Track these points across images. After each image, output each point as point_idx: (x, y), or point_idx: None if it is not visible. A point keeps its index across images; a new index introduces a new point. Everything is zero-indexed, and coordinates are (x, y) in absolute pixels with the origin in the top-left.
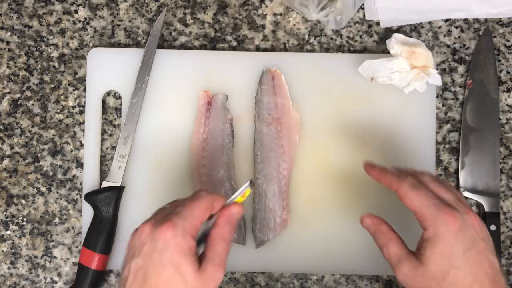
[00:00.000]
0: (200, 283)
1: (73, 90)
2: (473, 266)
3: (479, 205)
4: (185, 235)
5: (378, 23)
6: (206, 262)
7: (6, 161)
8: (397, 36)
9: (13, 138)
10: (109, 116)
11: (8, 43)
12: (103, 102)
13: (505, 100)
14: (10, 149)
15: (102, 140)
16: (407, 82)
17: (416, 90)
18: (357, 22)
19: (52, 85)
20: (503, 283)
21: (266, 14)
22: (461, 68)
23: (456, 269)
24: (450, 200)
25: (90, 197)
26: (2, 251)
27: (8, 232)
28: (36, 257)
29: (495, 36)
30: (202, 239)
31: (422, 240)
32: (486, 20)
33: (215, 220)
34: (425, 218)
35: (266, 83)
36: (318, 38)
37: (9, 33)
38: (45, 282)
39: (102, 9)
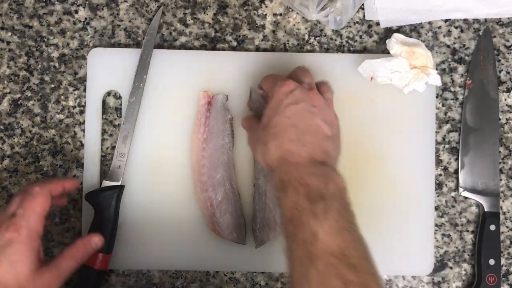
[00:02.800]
0: (31, 284)
1: (74, 90)
2: (294, 115)
3: (479, 205)
4: (30, 235)
5: (378, 23)
6: (48, 268)
7: (6, 161)
8: (397, 36)
9: (14, 138)
10: (109, 116)
11: (8, 43)
12: (104, 102)
13: (505, 100)
14: (11, 149)
15: (102, 140)
16: (407, 82)
17: (416, 90)
18: (357, 22)
19: (53, 85)
20: (328, 145)
21: (266, 14)
22: (461, 68)
23: (278, 116)
24: (304, 80)
25: (91, 196)
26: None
27: None
28: None
29: (494, 36)
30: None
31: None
32: (486, 20)
33: (78, 239)
34: (270, 87)
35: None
36: (318, 38)
37: (9, 33)
38: None
39: (102, 9)
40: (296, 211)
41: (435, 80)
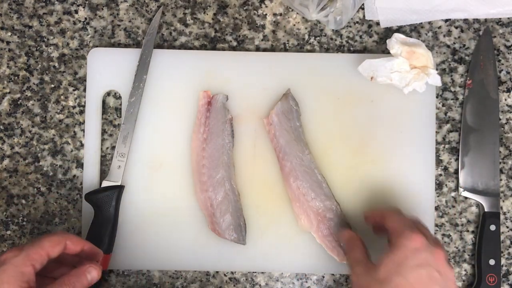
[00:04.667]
0: None
1: (73, 90)
2: (417, 282)
3: (479, 205)
4: (25, 260)
5: (378, 23)
6: None
7: (6, 161)
8: (397, 36)
9: (13, 138)
10: (109, 116)
11: (8, 43)
12: (103, 102)
13: (505, 100)
14: (10, 149)
15: (102, 140)
16: (407, 82)
17: (416, 90)
18: (357, 22)
19: (52, 85)
20: None
21: (266, 14)
22: (461, 68)
23: (401, 277)
24: (430, 237)
25: (91, 196)
26: (2, 251)
27: (8, 232)
28: None
29: (495, 36)
30: None
31: (384, 250)
32: (486, 20)
33: (76, 268)
34: (395, 231)
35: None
36: (318, 38)
37: (9, 33)
38: None
39: (102, 9)
40: None
41: (435, 80)
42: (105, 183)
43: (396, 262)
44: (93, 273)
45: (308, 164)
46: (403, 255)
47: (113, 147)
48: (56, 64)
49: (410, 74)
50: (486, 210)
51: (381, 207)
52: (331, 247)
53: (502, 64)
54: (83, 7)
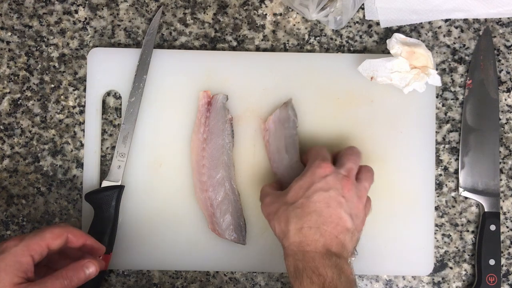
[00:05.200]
0: None
1: (73, 90)
2: (320, 202)
3: (479, 205)
4: (25, 250)
5: (378, 23)
6: (34, 286)
7: (6, 161)
8: (397, 36)
9: (13, 138)
10: (109, 116)
11: (8, 43)
12: (103, 102)
13: (505, 100)
14: (10, 149)
15: (102, 140)
16: (407, 82)
17: (416, 90)
18: (357, 22)
19: (52, 85)
20: (345, 238)
21: (266, 14)
22: (461, 68)
23: (304, 198)
24: (345, 165)
25: (91, 196)
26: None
27: (8, 232)
28: None
29: (495, 36)
30: None
31: None
32: (486, 20)
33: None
34: (309, 161)
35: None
36: (318, 38)
37: (9, 33)
38: None
39: (102, 9)
40: None
41: (435, 80)
42: (105, 183)
43: (303, 186)
44: (91, 269)
45: (297, 171)
46: (310, 180)
47: (113, 147)
48: (56, 64)
49: (410, 74)
50: (486, 210)
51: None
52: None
53: (502, 64)
54: (83, 7)
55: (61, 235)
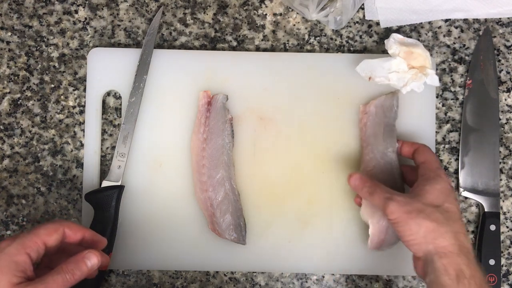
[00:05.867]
0: None
1: (73, 90)
2: (458, 212)
3: (479, 205)
4: (19, 249)
5: (378, 23)
6: (34, 284)
7: (6, 161)
8: (395, 36)
9: (13, 138)
10: (109, 116)
11: (8, 43)
12: (103, 102)
13: (505, 100)
14: (10, 149)
15: (102, 140)
16: (405, 82)
17: (415, 90)
18: (357, 22)
19: (52, 85)
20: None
21: (266, 14)
22: (461, 68)
23: (451, 203)
24: None
25: (91, 196)
26: None
27: (8, 232)
28: None
29: (495, 36)
30: None
31: (420, 181)
32: (486, 20)
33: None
34: (432, 166)
35: None
36: (318, 38)
37: (9, 33)
38: None
39: (102, 9)
40: None
41: (433, 80)
42: (105, 183)
43: (443, 190)
44: (92, 259)
45: (390, 161)
46: (448, 184)
47: (113, 147)
48: (56, 64)
49: (408, 74)
50: (486, 210)
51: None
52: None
53: (502, 64)
54: (83, 7)
55: (57, 230)
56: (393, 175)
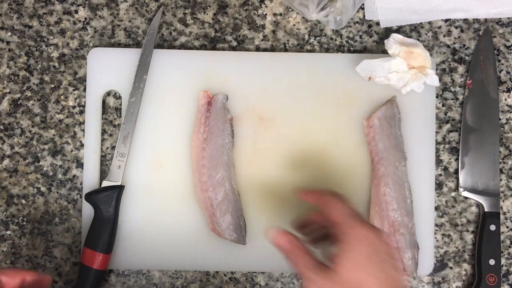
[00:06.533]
0: None
1: (73, 90)
2: (380, 273)
3: (479, 205)
4: None
5: (378, 23)
6: None
7: (6, 161)
8: (395, 36)
9: (13, 138)
10: (109, 116)
11: (8, 43)
12: (103, 102)
13: (505, 100)
14: (10, 149)
15: (102, 140)
16: (404, 83)
17: (415, 90)
18: (357, 22)
19: (52, 85)
20: None
21: (266, 14)
22: (461, 68)
23: (369, 276)
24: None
25: (91, 196)
26: (2, 251)
27: (8, 232)
28: (36, 257)
29: (495, 36)
30: None
31: (338, 249)
32: (486, 20)
33: None
34: (342, 224)
35: None
36: (318, 38)
37: (9, 33)
38: None
39: (102, 9)
40: None
41: (433, 80)
42: (105, 183)
43: (357, 261)
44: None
45: (401, 175)
46: (363, 251)
47: (113, 147)
48: (56, 64)
49: (408, 74)
50: (486, 210)
51: (316, 188)
52: None
53: (502, 64)
54: (83, 7)
55: (15, 276)
56: (403, 190)
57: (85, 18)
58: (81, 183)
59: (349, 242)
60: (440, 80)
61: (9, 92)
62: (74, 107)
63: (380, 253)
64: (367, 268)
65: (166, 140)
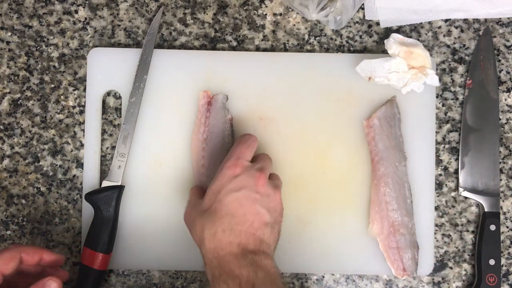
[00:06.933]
0: None
1: (73, 90)
2: (232, 203)
3: (479, 205)
4: None
5: (378, 23)
6: None
7: (6, 161)
8: (395, 36)
9: (13, 138)
10: (109, 116)
11: (8, 43)
12: (103, 102)
13: (505, 100)
14: (10, 149)
15: (102, 140)
16: (404, 83)
17: (415, 90)
18: (357, 22)
19: (52, 85)
20: (264, 233)
21: (266, 14)
22: (461, 68)
23: (217, 203)
24: (258, 159)
25: (91, 196)
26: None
27: (8, 232)
28: None
29: (495, 36)
30: None
31: None
32: (486, 20)
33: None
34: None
35: None
36: (318, 38)
37: (9, 33)
38: None
39: (102, 9)
40: None
41: (433, 80)
42: (105, 183)
43: (215, 190)
44: (52, 286)
45: (401, 175)
46: (221, 183)
47: (113, 147)
48: (56, 64)
49: (408, 75)
50: (486, 210)
51: None
52: (392, 259)
53: (502, 64)
54: (83, 7)
55: (13, 258)
56: (403, 190)
57: (85, 18)
58: (81, 183)
59: (216, 175)
60: (440, 80)
61: (9, 92)
62: (74, 107)
63: (240, 185)
64: (220, 196)
65: (166, 140)
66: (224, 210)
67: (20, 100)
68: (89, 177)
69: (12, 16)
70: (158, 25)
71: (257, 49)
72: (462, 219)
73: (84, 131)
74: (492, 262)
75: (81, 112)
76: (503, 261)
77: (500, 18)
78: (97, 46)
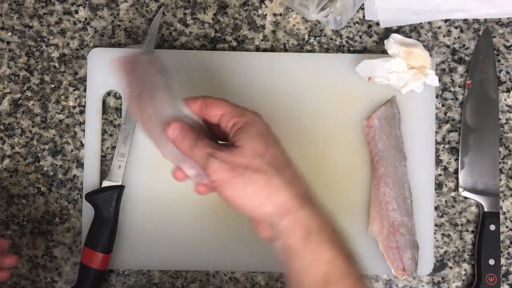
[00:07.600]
0: None
1: (74, 90)
2: (283, 148)
3: (478, 205)
4: None
5: (377, 23)
6: None
7: (6, 161)
8: (395, 36)
9: (14, 138)
10: (109, 116)
11: (8, 43)
12: (104, 102)
13: (505, 100)
14: (11, 149)
15: (103, 140)
16: (404, 83)
17: (415, 90)
18: (357, 22)
19: (53, 85)
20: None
21: (266, 14)
22: (460, 68)
23: (275, 147)
24: None
25: (91, 196)
26: None
27: (9, 232)
28: (36, 256)
29: (494, 36)
30: None
31: (233, 133)
32: (485, 20)
33: None
34: (234, 114)
35: None
36: (318, 38)
37: (9, 33)
38: (45, 282)
39: (103, 9)
40: (331, 274)
41: (433, 80)
42: (105, 183)
43: (261, 133)
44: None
45: (401, 175)
46: (266, 125)
47: (113, 147)
48: (56, 64)
49: (408, 75)
50: (486, 210)
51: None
52: (392, 259)
53: (502, 64)
54: (83, 7)
55: None
56: (403, 190)
57: (85, 18)
58: (81, 183)
59: (246, 123)
60: (440, 80)
61: (10, 92)
62: (74, 107)
63: (271, 132)
64: (267, 141)
65: None
66: (285, 155)
67: (21, 100)
68: (89, 177)
69: (12, 16)
70: (158, 25)
71: (257, 49)
72: (462, 219)
73: (84, 131)
74: (491, 262)
75: (81, 112)
76: (502, 261)
77: (500, 18)
78: (97, 46)
